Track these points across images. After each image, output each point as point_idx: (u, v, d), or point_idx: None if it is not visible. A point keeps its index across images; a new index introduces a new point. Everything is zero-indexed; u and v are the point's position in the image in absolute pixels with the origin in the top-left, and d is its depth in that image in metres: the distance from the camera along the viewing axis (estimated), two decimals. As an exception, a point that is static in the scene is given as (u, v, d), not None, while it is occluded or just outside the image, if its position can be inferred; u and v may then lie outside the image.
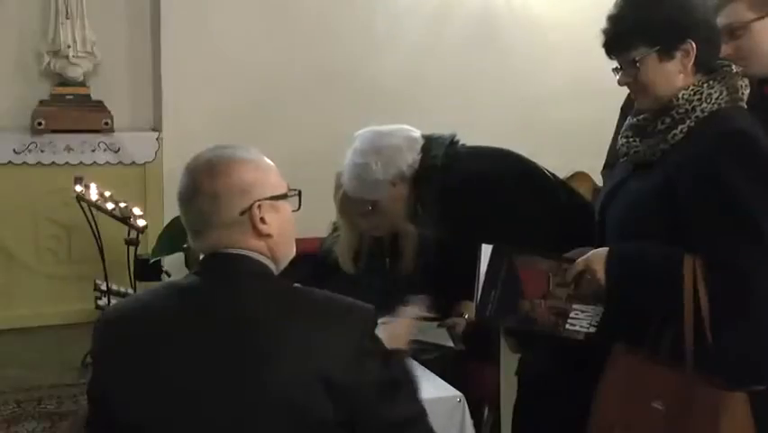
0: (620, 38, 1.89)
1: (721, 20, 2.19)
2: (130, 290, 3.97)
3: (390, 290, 2.68)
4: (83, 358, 4.07)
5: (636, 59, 1.86)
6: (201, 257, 1.51)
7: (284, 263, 1.55)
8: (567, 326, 1.95)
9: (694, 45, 1.83)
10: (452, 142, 2.43)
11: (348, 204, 2.61)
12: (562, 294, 1.94)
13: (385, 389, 1.43)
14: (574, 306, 1.94)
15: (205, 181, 1.46)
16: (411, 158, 2.41)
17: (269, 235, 1.47)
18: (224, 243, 1.46)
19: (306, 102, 5.02)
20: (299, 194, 1.54)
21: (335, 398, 1.35)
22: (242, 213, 1.45)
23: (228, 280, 1.44)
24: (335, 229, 2.82)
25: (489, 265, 1.97)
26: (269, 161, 1.54)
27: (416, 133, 2.47)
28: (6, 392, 3.70)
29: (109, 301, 4.01)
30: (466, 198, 2.32)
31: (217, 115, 4.81)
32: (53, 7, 4.65)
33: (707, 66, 1.86)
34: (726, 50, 2.21)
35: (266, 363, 1.35)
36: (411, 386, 1.51)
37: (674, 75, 1.85)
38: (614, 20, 1.90)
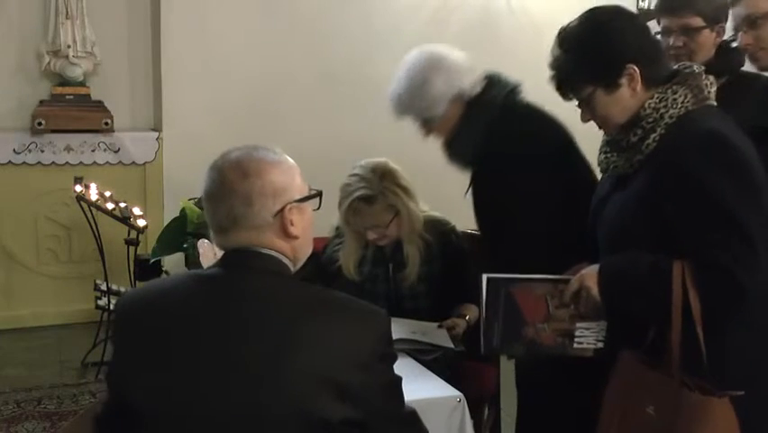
0: (564, 83, 1.92)
1: (741, 10, 2.19)
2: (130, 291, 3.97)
3: (393, 297, 2.70)
4: (83, 358, 4.08)
5: (585, 98, 1.89)
6: (224, 252, 1.52)
7: (301, 263, 1.57)
8: (575, 345, 1.96)
9: (636, 68, 1.84)
10: (514, 90, 2.40)
11: (354, 217, 2.63)
12: (564, 315, 1.95)
13: (391, 388, 1.46)
14: (578, 325, 1.95)
15: (238, 182, 1.46)
16: (471, 80, 2.39)
17: (296, 237, 1.50)
18: (251, 242, 1.48)
19: (306, 102, 5.02)
20: (320, 194, 1.57)
21: (346, 397, 1.37)
22: (275, 216, 1.47)
23: (249, 275, 1.46)
24: (338, 235, 2.82)
25: (487, 297, 1.98)
26: (292, 161, 1.56)
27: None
28: (6, 392, 3.71)
29: (109, 301, 4.01)
30: (508, 146, 2.29)
31: (217, 115, 4.81)
32: (53, 7, 4.66)
33: (657, 80, 1.87)
34: (746, 39, 2.20)
35: (280, 361, 1.37)
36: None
37: (626, 100, 1.86)
38: (553, 67, 1.94)
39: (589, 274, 1.87)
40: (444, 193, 4.65)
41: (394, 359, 1.48)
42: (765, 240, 1.72)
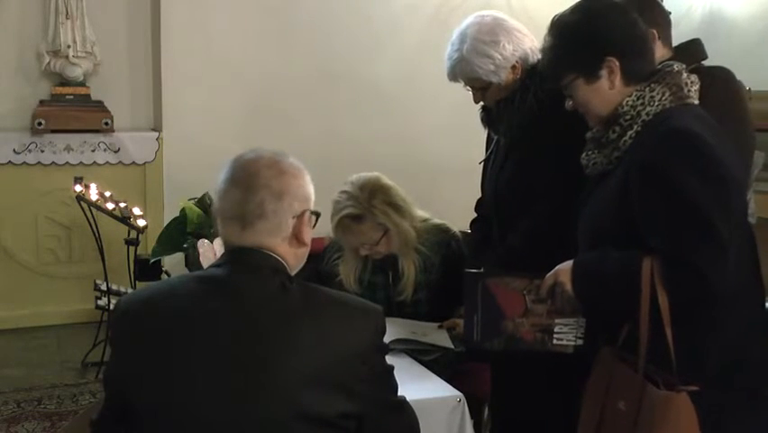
0: (549, 68, 1.96)
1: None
2: (130, 290, 3.97)
3: (393, 304, 2.69)
4: (83, 358, 4.09)
5: (566, 84, 1.92)
6: (226, 250, 1.54)
7: (295, 272, 1.59)
8: (554, 341, 1.98)
9: (617, 62, 1.86)
10: None
11: (344, 234, 2.63)
12: (541, 310, 1.96)
13: (385, 377, 1.52)
14: (556, 320, 1.96)
15: (273, 178, 1.48)
16: (532, 46, 2.36)
17: (304, 244, 1.53)
18: (261, 242, 1.49)
19: (305, 102, 5.02)
20: (318, 215, 1.59)
21: (345, 392, 1.41)
22: (294, 217, 1.50)
23: (251, 276, 1.47)
24: (338, 249, 2.81)
25: (466, 290, 2.01)
26: None
27: None
28: (6, 392, 3.71)
29: (109, 301, 4.01)
30: (564, 119, 2.26)
31: (217, 115, 4.82)
32: (53, 7, 4.66)
33: (638, 76, 1.89)
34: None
35: (280, 362, 1.39)
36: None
37: (606, 92, 1.89)
38: (542, 51, 1.99)
39: (563, 270, 1.89)
40: (443, 191, 4.66)
41: (387, 350, 1.55)
42: (736, 239, 1.72)
